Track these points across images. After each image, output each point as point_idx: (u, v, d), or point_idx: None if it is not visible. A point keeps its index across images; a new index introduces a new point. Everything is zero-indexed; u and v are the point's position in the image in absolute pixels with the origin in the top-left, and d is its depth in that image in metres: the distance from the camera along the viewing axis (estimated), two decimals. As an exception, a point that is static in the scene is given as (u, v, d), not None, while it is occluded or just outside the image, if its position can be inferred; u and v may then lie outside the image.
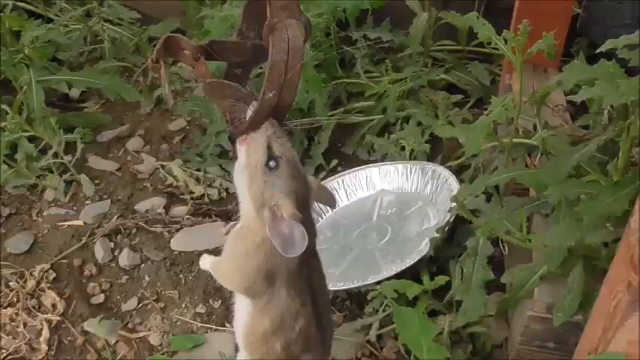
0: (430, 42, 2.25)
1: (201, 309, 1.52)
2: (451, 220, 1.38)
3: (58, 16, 2.12)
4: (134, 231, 1.70)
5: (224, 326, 1.47)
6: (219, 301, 1.52)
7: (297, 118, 1.93)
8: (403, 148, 1.75)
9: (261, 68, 1.38)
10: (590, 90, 1.01)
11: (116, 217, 1.74)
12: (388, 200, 1.72)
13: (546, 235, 1.17)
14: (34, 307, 1.53)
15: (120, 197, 1.85)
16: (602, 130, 1.24)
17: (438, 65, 2.30)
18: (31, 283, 1.57)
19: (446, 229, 1.40)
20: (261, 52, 0.86)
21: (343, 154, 2.03)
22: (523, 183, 1.30)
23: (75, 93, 2.28)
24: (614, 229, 1.06)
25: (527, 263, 1.27)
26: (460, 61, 2.27)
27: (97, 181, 1.91)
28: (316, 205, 1.76)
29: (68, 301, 1.55)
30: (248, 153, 0.92)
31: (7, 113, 1.87)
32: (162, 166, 1.98)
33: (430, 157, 1.82)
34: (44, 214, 1.79)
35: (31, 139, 1.87)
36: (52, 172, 1.89)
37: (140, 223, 1.70)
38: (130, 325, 1.50)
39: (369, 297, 1.39)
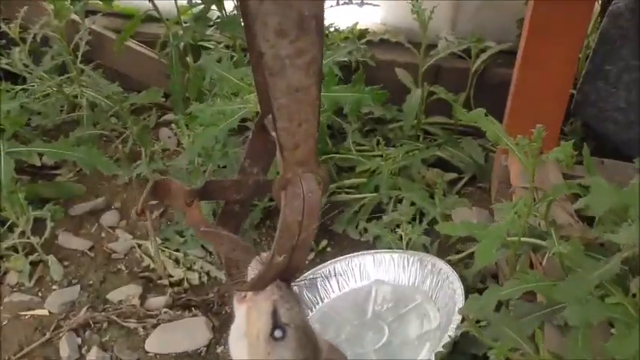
0: (422, 116, 2.20)
1: (178, 422, 1.36)
2: (464, 334, 1.27)
3: (32, 75, 1.99)
4: (105, 325, 1.55)
5: None
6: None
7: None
8: (400, 238, 1.64)
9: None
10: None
11: (85, 308, 1.58)
12: (384, 293, 1.60)
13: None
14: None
15: (91, 282, 1.70)
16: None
17: (430, 139, 2.24)
18: (-17, 388, 1.40)
19: (452, 342, 1.28)
20: (263, 187, 0.75)
21: (332, 232, 1.92)
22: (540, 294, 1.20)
23: (48, 160, 2.15)
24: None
25: (543, 385, 1.15)
26: (452, 135, 2.22)
27: (66, 263, 1.76)
28: (306, 296, 1.64)
29: (24, 409, 1.38)
30: (249, 318, 0.78)
31: (-30, 188, 1.72)
32: (139, 245, 1.84)
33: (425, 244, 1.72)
34: (5, 300, 1.63)
35: (-5, 215, 1.72)
36: (18, 252, 1.74)
37: (112, 316, 1.54)
38: None
39: (366, 418, 1.26)
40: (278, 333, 0.75)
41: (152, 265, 1.77)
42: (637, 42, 1.81)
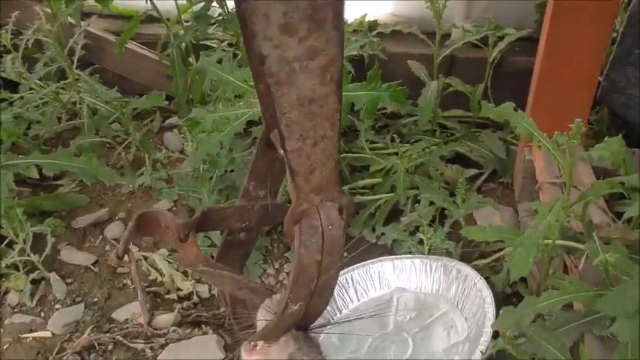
0: (438, 110, 2.08)
1: None
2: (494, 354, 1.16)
3: (28, 82, 1.90)
4: (111, 347, 1.45)
5: None
6: None
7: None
8: (421, 242, 1.54)
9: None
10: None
11: (90, 328, 1.49)
12: (405, 301, 1.50)
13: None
14: None
15: (95, 300, 1.61)
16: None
17: (447, 134, 2.13)
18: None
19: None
20: (273, 213, 0.64)
21: (348, 236, 1.80)
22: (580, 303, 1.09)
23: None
24: None
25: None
26: (471, 129, 2.11)
27: (69, 280, 1.67)
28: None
29: None
30: None
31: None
32: (145, 258, 1.75)
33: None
34: (6, 322, 1.54)
35: (-6, 232, 1.64)
36: (18, 270, 1.65)
37: (118, 337, 1.45)
38: None
39: None
40: None
41: (159, 279, 1.68)
42: (669, 23, 1.68)
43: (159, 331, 1.46)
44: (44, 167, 1.78)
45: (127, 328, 1.47)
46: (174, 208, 1.95)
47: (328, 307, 1.53)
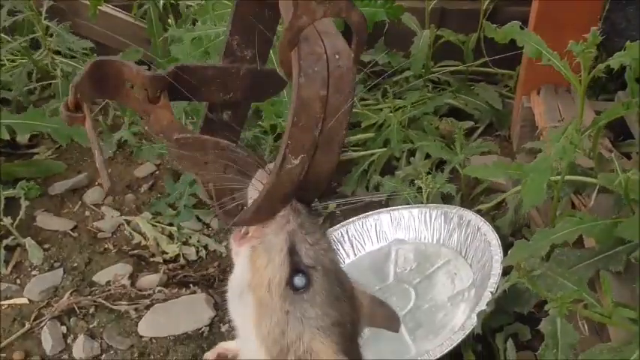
0: (430, 63, 1.99)
1: (179, 415, 1.18)
2: (506, 290, 1.08)
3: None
4: (92, 310, 1.36)
5: None
6: (204, 404, 1.19)
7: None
8: (419, 190, 1.45)
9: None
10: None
11: (69, 292, 1.39)
12: (405, 253, 1.42)
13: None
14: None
15: (75, 265, 1.51)
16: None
17: (439, 89, 2.05)
18: (-44, 389, 1.22)
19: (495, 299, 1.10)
20: (265, 83, 0.53)
21: (341, 195, 1.73)
22: (594, 238, 1.01)
23: (23, 138, 1.95)
24: None
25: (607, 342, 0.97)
26: (464, 83, 2.02)
27: (46, 245, 1.57)
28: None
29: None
30: (254, 263, 0.56)
31: None
32: (128, 222, 1.65)
33: (445, 198, 1.53)
34: (-21, 291, 1.44)
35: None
36: (-9, 237, 1.55)
37: (99, 299, 1.35)
38: None
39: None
40: (299, 281, 0.54)
41: (143, 242, 1.59)
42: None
43: (143, 292, 1.36)
44: (16, 129, 1.67)
45: (110, 290, 1.38)
46: (156, 172, 1.85)
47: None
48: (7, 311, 1.39)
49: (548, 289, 0.99)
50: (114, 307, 1.34)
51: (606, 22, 1.78)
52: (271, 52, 0.54)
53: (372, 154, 1.77)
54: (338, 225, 1.52)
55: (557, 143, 0.95)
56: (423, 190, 1.43)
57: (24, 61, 1.77)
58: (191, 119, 1.52)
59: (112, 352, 1.28)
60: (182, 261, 1.53)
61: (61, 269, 1.49)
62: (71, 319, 1.34)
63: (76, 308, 1.35)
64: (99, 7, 2.03)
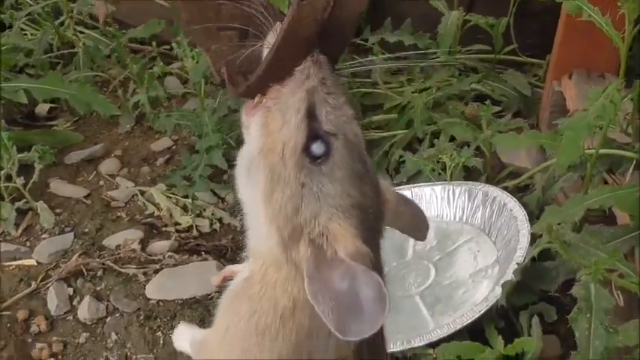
0: (458, 48, 1.94)
1: (184, 380, 1.12)
2: (535, 256, 1.02)
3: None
4: (100, 273, 1.32)
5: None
6: (210, 369, 1.13)
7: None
8: (444, 168, 1.39)
9: None
10: None
11: (77, 254, 1.36)
12: (425, 232, 1.35)
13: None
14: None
15: (86, 230, 1.48)
16: None
17: (466, 74, 1.99)
18: (-42, 344, 1.18)
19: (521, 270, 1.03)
20: None
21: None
22: (628, 210, 0.95)
23: (42, 109, 1.94)
24: None
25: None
26: (493, 70, 1.96)
27: (58, 210, 1.54)
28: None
29: (4, 369, 1.16)
30: (267, 126, 0.50)
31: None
32: (142, 193, 1.62)
33: (470, 178, 1.47)
34: (-13, 251, 1.41)
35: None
36: (3, 199, 1.52)
37: (108, 262, 1.32)
38: (86, 403, 1.10)
39: (417, 365, 1.01)
40: (317, 148, 0.48)
41: (157, 213, 1.55)
42: None
43: (153, 257, 1.32)
44: (34, 93, 1.65)
45: (119, 254, 1.34)
46: (173, 147, 1.82)
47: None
48: (14, 272, 1.36)
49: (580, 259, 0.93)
50: (122, 271, 1.30)
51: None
52: None
53: (394, 136, 1.72)
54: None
55: (597, 102, 0.89)
56: (447, 166, 1.37)
57: (46, 25, 1.76)
58: None
59: (117, 314, 1.24)
60: (195, 232, 1.49)
61: (72, 234, 1.45)
62: (78, 281, 1.31)
63: (84, 270, 1.32)
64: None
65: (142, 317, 1.22)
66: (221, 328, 0.61)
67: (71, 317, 1.25)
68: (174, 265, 1.30)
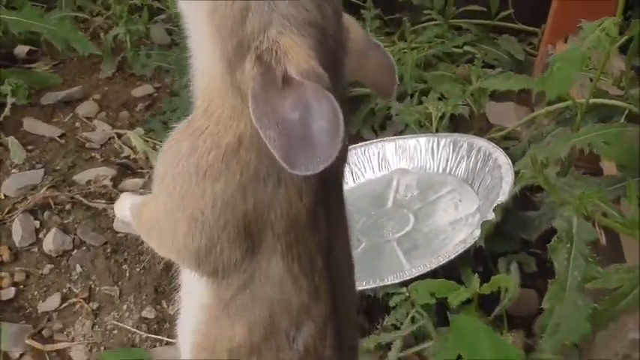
0: (452, 8, 1.89)
1: (149, 313, 1.08)
2: (517, 192, 0.98)
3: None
4: (68, 207, 1.27)
5: (179, 339, 1.03)
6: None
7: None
8: (429, 119, 1.35)
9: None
10: None
11: (46, 188, 1.31)
12: (407, 182, 1.32)
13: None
14: None
15: (58, 168, 1.43)
16: None
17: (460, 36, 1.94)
18: None
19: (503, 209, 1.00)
20: None
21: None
22: (616, 160, 0.92)
23: (21, 51, 1.88)
24: None
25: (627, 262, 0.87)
26: (487, 33, 1.92)
27: (30, 147, 1.49)
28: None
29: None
30: None
31: None
32: (119, 136, 1.57)
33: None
34: (-47, 184, 1.36)
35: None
36: (-28, 133, 1.47)
37: (77, 196, 1.27)
38: (45, 333, 1.05)
39: (391, 303, 0.97)
40: None
41: (133, 156, 1.50)
42: None
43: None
44: (11, 26, 1.58)
45: (89, 189, 1.29)
46: (155, 95, 1.77)
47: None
48: (-20, 204, 1.31)
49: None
50: (91, 205, 1.25)
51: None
52: None
53: (382, 92, 1.67)
54: (338, 152, 1.42)
55: (592, 35, 0.85)
56: (433, 117, 1.33)
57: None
58: None
59: (84, 248, 1.19)
60: (171, 177, 1.44)
61: (42, 170, 1.40)
62: (45, 214, 1.26)
63: (52, 203, 1.27)
64: None
65: (108, 250, 1.18)
66: (159, 173, 0.56)
67: (36, 249, 1.20)
68: (147, 202, 1.25)
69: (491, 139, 1.26)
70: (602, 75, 1.10)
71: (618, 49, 1.15)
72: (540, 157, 0.86)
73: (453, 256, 0.97)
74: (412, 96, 1.63)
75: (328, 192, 0.54)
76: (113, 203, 1.27)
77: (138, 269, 1.14)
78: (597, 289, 0.84)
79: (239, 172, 0.51)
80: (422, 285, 0.92)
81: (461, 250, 0.97)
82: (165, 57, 1.58)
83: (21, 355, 1.01)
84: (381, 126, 1.61)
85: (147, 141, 1.55)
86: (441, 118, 1.34)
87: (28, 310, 1.09)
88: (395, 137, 1.40)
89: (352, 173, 1.39)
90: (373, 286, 0.98)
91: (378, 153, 1.39)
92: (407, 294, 0.94)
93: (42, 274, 1.15)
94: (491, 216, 0.98)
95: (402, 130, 1.50)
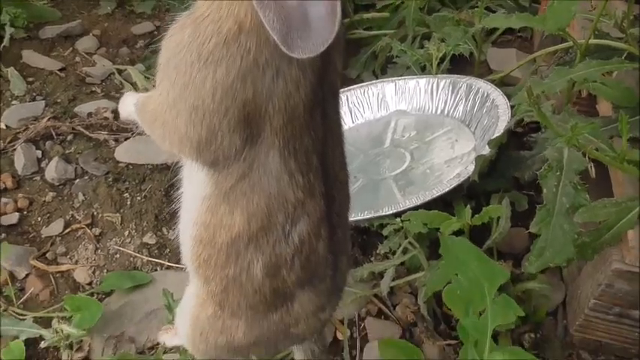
0: (460, -49, 1.86)
1: (150, 239, 1.11)
2: (512, 128, 1.00)
3: None
4: (70, 137, 1.29)
5: (179, 263, 1.07)
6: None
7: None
8: (429, 60, 1.35)
9: None
10: None
11: (47, 118, 1.32)
12: (405, 123, 1.34)
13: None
14: None
15: (59, 100, 1.43)
16: None
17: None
18: None
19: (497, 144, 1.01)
20: None
21: (345, 77, 1.63)
22: (613, 99, 0.93)
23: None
24: None
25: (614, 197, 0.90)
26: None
27: (30, 79, 1.49)
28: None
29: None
30: None
31: None
32: (120, 72, 1.56)
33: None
34: (-47, 114, 1.37)
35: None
36: (-28, 63, 1.47)
37: (79, 127, 1.28)
38: (49, 256, 1.09)
39: (384, 233, 1.01)
40: None
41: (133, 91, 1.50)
42: None
43: (126, 126, 1.29)
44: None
45: (91, 121, 1.30)
46: (155, 32, 1.75)
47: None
48: (-19, 133, 1.32)
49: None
50: (93, 136, 1.27)
51: None
52: None
53: (385, 34, 1.66)
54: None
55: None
56: (434, 57, 1.33)
57: None
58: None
59: (86, 177, 1.21)
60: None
61: (43, 102, 1.41)
62: (47, 144, 1.27)
63: (54, 134, 1.28)
64: None
65: (110, 179, 1.20)
66: (162, 61, 0.57)
67: (38, 178, 1.22)
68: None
69: (491, 82, 1.26)
70: (604, 17, 1.10)
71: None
72: (537, 90, 0.87)
73: (447, 189, 0.99)
74: (414, 40, 1.63)
75: (324, 89, 0.56)
76: (115, 135, 1.29)
77: (139, 197, 1.16)
78: (585, 224, 0.87)
79: (239, 58, 0.52)
80: (415, 215, 0.94)
81: (455, 183, 1.00)
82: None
83: (26, 275, 1.04)
84: (382, 70, 1.61)
85: (148, 78, 1.55)
86: (442, 60, 1.34)
87: (32, 235, 1.12)
88: (395, 78, 1.40)
89: (351, 113, 1.40)
90: (368, 216, 1.01)
91: (378, 94, 1.40)
92: (400, 224, 0.97)
93: (45, 201, 1.17)
94: (486, 151, 1.00)
95: (403, 74, 1.50)
